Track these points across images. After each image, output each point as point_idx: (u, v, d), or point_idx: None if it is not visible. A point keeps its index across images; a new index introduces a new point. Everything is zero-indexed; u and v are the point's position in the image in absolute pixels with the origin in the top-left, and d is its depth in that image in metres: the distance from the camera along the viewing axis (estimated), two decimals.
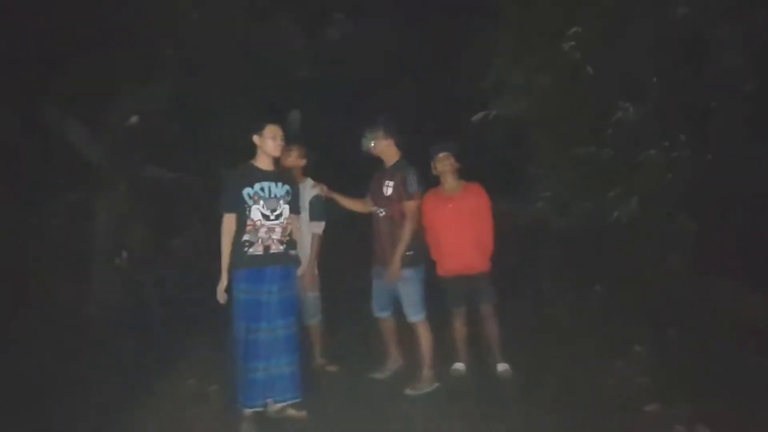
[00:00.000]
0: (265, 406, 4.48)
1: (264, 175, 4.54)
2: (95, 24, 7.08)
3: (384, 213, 5.07)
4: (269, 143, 4.51)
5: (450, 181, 5.35)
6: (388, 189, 5.02)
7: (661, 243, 6.25)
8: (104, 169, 7.31)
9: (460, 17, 9.78)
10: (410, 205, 4.98)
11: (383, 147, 5.11)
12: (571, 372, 5.27)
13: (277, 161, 4.68)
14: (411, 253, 5.02)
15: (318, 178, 5.44)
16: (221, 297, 4.42)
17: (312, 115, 10.42)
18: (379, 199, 5.10)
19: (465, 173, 5.42)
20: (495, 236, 5.37)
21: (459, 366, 5.45)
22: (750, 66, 6.26)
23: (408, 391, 5.04)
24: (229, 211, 4.48)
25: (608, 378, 5.10)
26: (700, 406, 4.34)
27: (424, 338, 5.12)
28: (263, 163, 4.58)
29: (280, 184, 4.57)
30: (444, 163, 5.30)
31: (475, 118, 7.28)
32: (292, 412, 4.58)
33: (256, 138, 4.54)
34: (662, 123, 6.26)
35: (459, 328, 5.46)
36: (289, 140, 5.09)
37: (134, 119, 7.31)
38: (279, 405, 4.55)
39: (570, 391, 4.91)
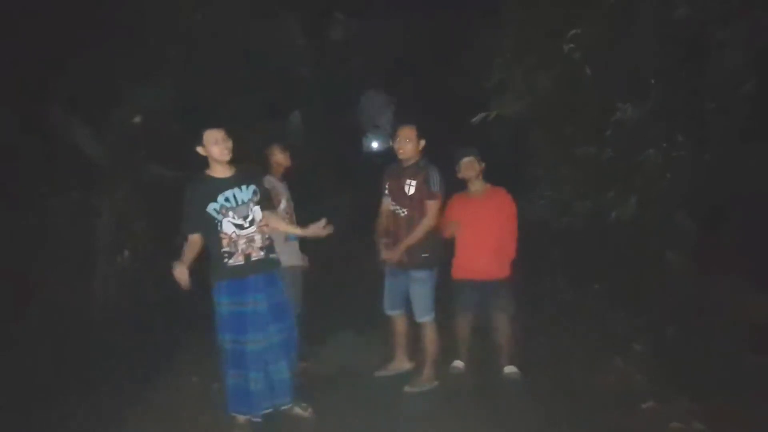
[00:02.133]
0: (259, 415, 4.38)
1: (225, 184, 4.29)
2: (98, 24, 7.12)
3: (406, 212, 5.01)
4: (214, 149, 4.22)
5: (475, 184, 5.34)
6: (411, 188, 4.96)
7: (660, 242, 6.27)
8: (107, 168, 7.35)
9: (461, 17, 9.82)
10: (432, 205, 4.95)
11: (414, 146, 5.01)
12: (569, 370, 5.32)
13: (235, 163, 4.38)
14: (426, 255, 5.02)
15: (317, 178, 5.44)
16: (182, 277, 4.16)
17: (313, 114, 10.50)
18: (401, 199, 5.02)
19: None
20: None
21: (458, 364, 5.48)
22: (749, 67, 6.28)
23: (407, 389, 5.08)
24: (193, 232, 4.29)
25: (607, 376, 5.16)
26: (697, 404, 4.39)
27: (430, 339, 5.16)
28: (219, 171, 4.32)
29: (244, 186, 4.33)
30: (469, 168, 5.30)
31: (475, 119, 7.29)
32: (298, 411, 4.55)
33: (200, 149, 4.26)
34: (661, 123, 6.28)
35: (462, 329, 5.46)
36: (289, 140, 5.10)
37: (137, 119, 7.35)
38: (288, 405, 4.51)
39: (568, 388, 4.95)
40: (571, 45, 6.47)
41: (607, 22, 6.40)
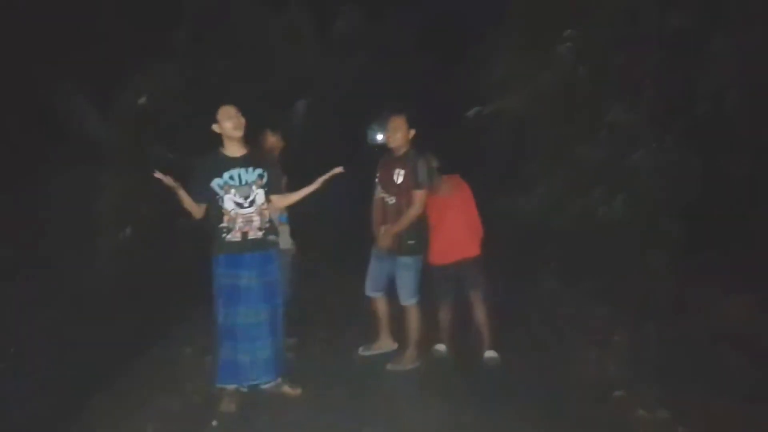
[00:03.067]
0: (244, 386, 4.58)
1: (233, 162, 4.47)
2: (109, 5, 7.29)
3: (394, 200, 5.16)
4: (227, 124, 4.41)
5: None
6: (399, 177, 5.11)
7: (644, 242, 6.46)
8: (112, 148, 7.53)
9: (465, 15, 9.97)
10: (419, 194, 5.10)
11: (403, 135, 5.14)
12: (549, 359, 5.52)
13: (249, 145, 4.60)
14: (412, 242, 5.19)
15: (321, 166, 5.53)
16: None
17: (318, 104, 10.67)
18: (390, 187, 5.17)
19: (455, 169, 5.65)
20: (490, 233, 5.64)
21: (440, 347, 5.64)
22: (740, 72, 6.43)
23: (389, 367, 5.30)
24: (198, 202, 4.46)
25: (583, 366, 5.34)
26: (664, 394, 4.60)
27: (413, 321, 5.33)
28: (231, 149, 4.50)
29: (251, 168, 4.50)
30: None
31: (470, 113, 7.45)
32: (287, 388, 4.73)
33: (215, 127, 4.45)
34: (652, 125, 6.45)
35: (444, 314, 5.64)
36: (296, 129, 5.24)
37: (143, 100, 7.51)
38: (272, 382, 4.69)
39: (545, 375, 5.15)
40: (567, 45, 6.62)
41: (602, 24, 6.55)
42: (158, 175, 4.30)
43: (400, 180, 5.13)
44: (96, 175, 7.56)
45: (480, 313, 5.54)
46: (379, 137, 20.29)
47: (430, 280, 5.53)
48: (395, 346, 5.63)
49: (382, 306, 5.59)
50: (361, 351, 5.65)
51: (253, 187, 4.50)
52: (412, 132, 5.19)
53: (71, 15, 7.03)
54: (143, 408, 4.56)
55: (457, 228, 5.44)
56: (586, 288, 6.73)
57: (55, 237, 7.22)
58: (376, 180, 5.37)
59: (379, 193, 5.32)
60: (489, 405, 4.64)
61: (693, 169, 6.45)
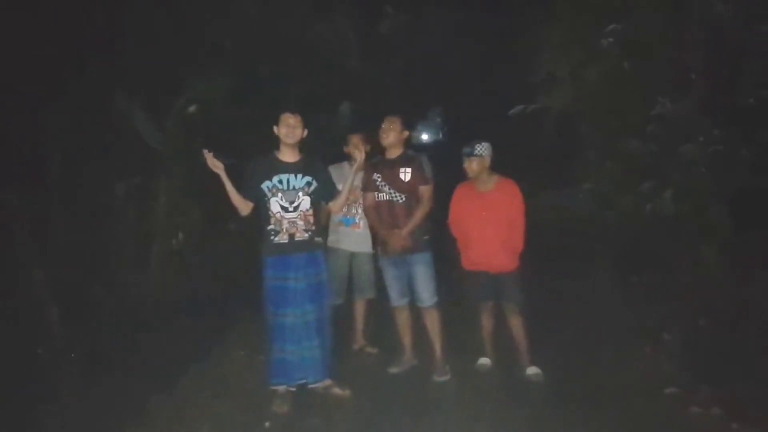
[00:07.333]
0: (295, 386, 4.68)
1: (284, 167, 4.63)
2: (160, 17, 7.46)
3: (403, 200, 5.08)
4: (281, 131, 4.58)
5: (482, 178, 5.16)
6: (407, 175, 5.06)
7: (694, 236, 6.37)
8: (164, 155, 7.69)
9: (508, 12, 9.92)
10: (427, 189, 5.08)
11: (398, 136, 5.12)
12: (600, 357, 5.45)
13: (302, 151, 4.72)
14: (427, 237, 5.16)
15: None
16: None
17: (362, 106, 10.74)
18: (399, 186, 5.08)
19: (503, 166, 5.55)
20: (536, 228, 5.47)
21: (484, 361, 5.43)
22: None
23: (439, 378, 5.17)
24: (247, 199, 4.62)
25: (635, 363, 5.30)
26: (718, 391, 4.53)
27: (439, 323, 5.23)
28: (284, 154, 4.66)
29: (300, 175, 4.63)
30: (478, 164, 5.09)
31: (512, 111, 7.42)
32: (336, 390, 4.80)
33: (275, 129, 4.62)
34: (699, 118, 6.36)
35: (485, 322, 5.40)
36: (342, 131, 5.25)
37: (193, 108, 7.66)
38: (323, 383, 4.77)
39: (597, 374, 5.12)
40: (610, 39, 6.57)
41: (646, 16, 6.48)
42: (207, 154, 4.48)
43: (408, 178, 5.08)
44: (149, 181, 7.71)
45: (515, 327, 5.21)
46: (424, 136, 20.46)
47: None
48: (414, 360, 5.49)
49: (407, 314, 5.40)
50: (392, 369, 5.41)
51: (300, 194, 4.63)
52: (406, 133, 5.21)
53: (124, 23, 7.21)
54: (197, 409, 4.67)
55: (491, 237, 5.12)
56: (636, 283, 6.66)
57: (109, 244, 7.37)
58: (376, 183, 5.18)
59: (385, 195, 5.14)
60: (540, 402, 4.68)
61: (742, 161, 6.34)
